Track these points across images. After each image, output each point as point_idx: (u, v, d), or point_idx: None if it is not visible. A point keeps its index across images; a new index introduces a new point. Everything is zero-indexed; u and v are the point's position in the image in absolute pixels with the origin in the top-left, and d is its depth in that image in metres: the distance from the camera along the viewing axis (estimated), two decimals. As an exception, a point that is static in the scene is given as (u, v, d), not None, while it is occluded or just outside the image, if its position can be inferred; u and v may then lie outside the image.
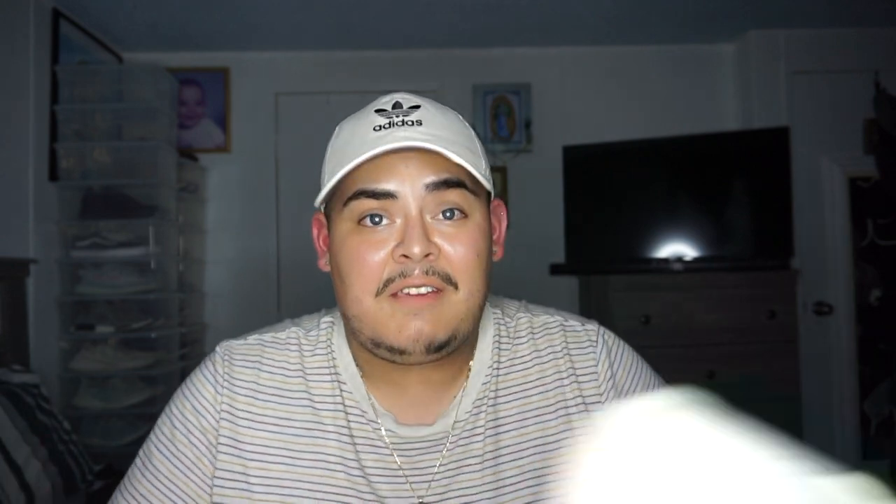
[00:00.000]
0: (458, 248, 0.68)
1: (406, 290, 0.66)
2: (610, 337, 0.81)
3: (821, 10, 2.90)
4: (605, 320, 2.86)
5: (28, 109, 2.41)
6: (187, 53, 3.19)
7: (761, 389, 2.65)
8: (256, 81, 3.23)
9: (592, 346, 0.79)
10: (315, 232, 0.78)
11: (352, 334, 0.72)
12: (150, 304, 2.57)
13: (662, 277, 2.71)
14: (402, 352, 0.67)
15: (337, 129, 0.74)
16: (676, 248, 2.81)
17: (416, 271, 0.66)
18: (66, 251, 2.52)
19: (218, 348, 0.78)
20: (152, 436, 0.77)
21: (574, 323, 0.80)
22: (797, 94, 3.14)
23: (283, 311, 3.22)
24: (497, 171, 3.23)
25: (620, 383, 0.78)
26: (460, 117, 0.74)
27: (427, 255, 0.66)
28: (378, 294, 0.67)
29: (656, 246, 2.83)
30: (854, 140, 3.14)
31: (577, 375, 0.77)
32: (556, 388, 0.76)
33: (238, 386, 0.74)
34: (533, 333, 0.79)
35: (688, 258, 2.79)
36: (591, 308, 2.92)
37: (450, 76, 3.27)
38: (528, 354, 0.78)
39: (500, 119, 3.27)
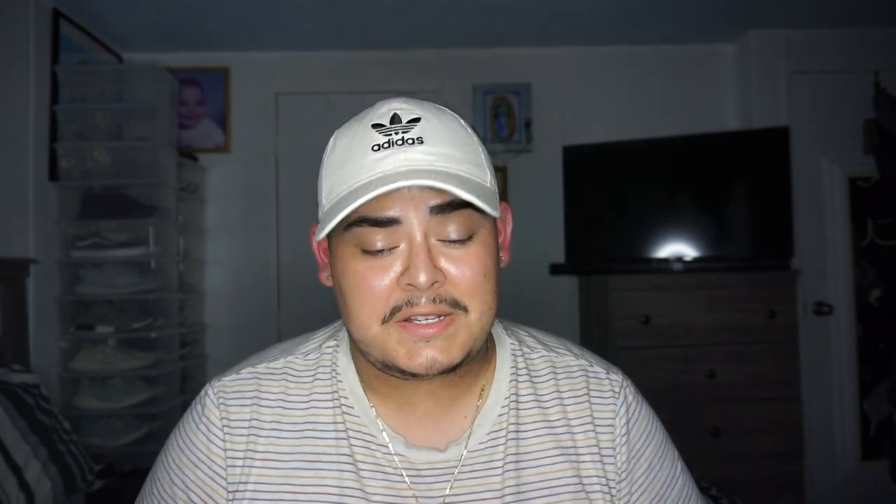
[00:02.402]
0: (466, 271, 0.65)
1: (414, 319, 0.65)
2: (632, 392, 0.79)
3: (821, 10, 2.90)
4: (605, 320, 2.85)
5: (28, 109, 2.41)
6: (187, 53, 3.19)
7: (761, 389, 2.65)
8: (256, 81, 3.23)
9: (614, 397, 0.76)
10: (315, 244, 0.75)
11: (360, 353, 0.70)
12: (150, 304, 2.57)
13: (662, 277, 2.71)
14: (414, 375, 0.66)
15: (332, 139, 0.70)
16: (676, 248, 2.81)
17: (423, 300, 0.64)
18: (66, 251, 2.52)
19: (210, 391, 0.74)
20: (153, 487, 0.75)
21: (599, 370, 0.78)
22: (797, 94, 3.13)
23: (283, 311, 3.22)
24: (497, 171, 3.22)
25: (634, 440, 0.76)
26: (461, 122, 0.70)
27: (433, 284, 0.64)
28: (385, 321, 0.65)
29: (656, 246, 2.83)
30: (854, 140, 3.14)
31: (595, 424, 0.75)
32: (574, 432, 0.74)
33: (237, 427, 0.72)
34: (555, 373, 0.77)
35: (688, 258, 2.79)
36: (591, 308, 2.92)
37: (450, 76, 3.27)
38: (550, 394, 0.76)
39: (500, 119, 3.27)
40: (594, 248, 2.92)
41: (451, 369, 0.66)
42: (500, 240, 0.74)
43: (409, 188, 0.63)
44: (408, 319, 0.65)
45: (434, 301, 0.64)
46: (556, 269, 3.00)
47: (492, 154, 3.54)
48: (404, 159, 0.64)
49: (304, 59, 3.25)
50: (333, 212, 0.65)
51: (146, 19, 2.82)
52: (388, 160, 0.64)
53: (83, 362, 2.48)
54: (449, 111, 0.71)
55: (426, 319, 0.64)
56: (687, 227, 2.83)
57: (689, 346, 2.64)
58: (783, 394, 2.66)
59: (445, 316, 0.65)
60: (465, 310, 0.66)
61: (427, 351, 0.64)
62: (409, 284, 0.63)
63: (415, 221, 0.64)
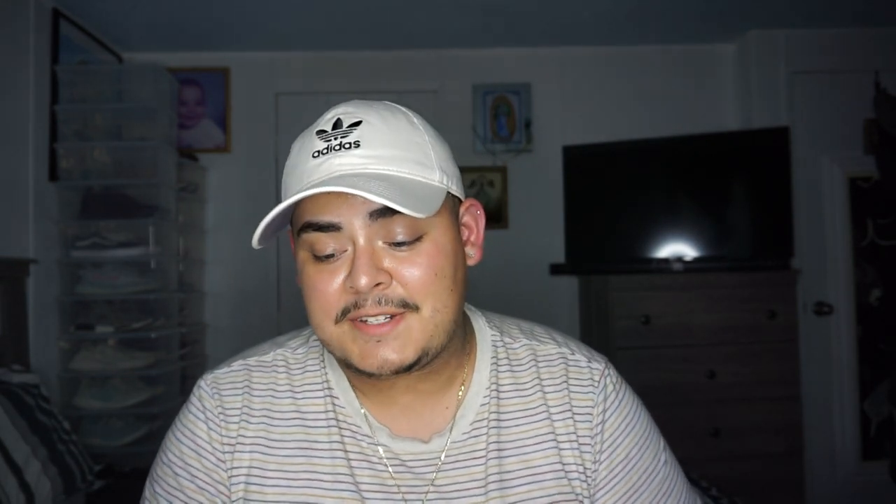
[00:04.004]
0: (414, 271, 0.66)
1: (363, 319, 0.66)
2: (613, 380, 0.78)
3: (821, 10, 2.90)
4: (605, 320, 2.85)
5: (28, 109, 2.41)
6: (187, 53, 3.19)
7: (761, 389, 2.65)
8: (256, 81, 3.23)
9: (593, 385, 0.76)
10: (293, 247, 0.76)
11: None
12: (150, 304, 2.57)
13: (662, 277, 2.71)
14: (370, 374, 0.67)
15: (292, 145, 0.73)
16: (676, 248, 2.81)
17: (369, 301, 0.65)
18: (66, 251, 2.52)
19: (203, 383, 0.76)
20: (157, 486, 0.75)
21: (580, 357, 0.78)
22: (797, 94, 3.13)
23: (283, 311, 3.22)
24: (497, 171, 3.23)
25: (611, 429, 0.75)
26: (414, 120, 0.71)
27: (377, 285, 0.65)
28: (338, 321, 0.67)
29: (656, 246, 2.83)
30: (854, 140, 3.14)
31: (574, 412, 0.75)
32: (553, 420, 0.75)
33: (231, 414, 0.73)
34: (536, 362, 0.77)
35: (688, 258, 2.79)
36: (590, 308, 2.92)
37: (450, 76, 3.27)
38: (530, 381, 0.76)
39: (500, 119, 3.26)
40: (594, 248, 2.92)
41: (407, 369, 0.66)
42: (473, 238, 0.75)
43: (349, 194, 0.64)
44: (358, 320, 0.66)
45: (380, 303, 0.65)
46: (556, 269, 3.00)
47: (492, 154, 3.52)
48: (338, 164, 0.66)
49: (304, 59, 3.25)
50: (268, 216, 0.67)
51: (146, 19, 2.82)
52: (323, 166, 0.66)
53: (83, 362, 2.48)
54: (403, 111, 0.71)
55: (375, 319, 0.65)
56: (687, 227, 2.83)
57: (689, 346, 2.64)
58: (783, 394, 2.66)
59: (395, 315, 0.66)
60: (416, 308, 0.66)
61: (379, 351, 0.65)
62: (352, 288, 0.65)
63: (356, 226, 0.65)
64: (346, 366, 0.69)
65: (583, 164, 2.95)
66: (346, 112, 0.69)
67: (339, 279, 0.66)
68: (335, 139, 0.67)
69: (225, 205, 3.22)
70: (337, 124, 0.68)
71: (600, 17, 2.92)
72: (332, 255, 0.66)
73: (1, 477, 1.66)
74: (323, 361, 0.77)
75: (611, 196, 2.91)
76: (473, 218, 0.76)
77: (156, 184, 2.58)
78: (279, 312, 3.22)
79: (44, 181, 2.48)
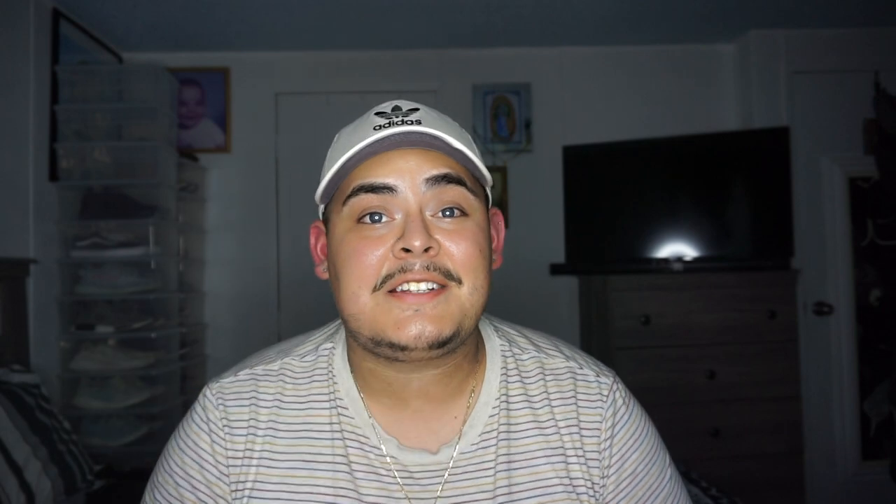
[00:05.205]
0: (461, 243, 0.67)
1: (405, 287, 0.65)
2: (622, 395, 0.78)
3: (821, 10, 2.90)
4: (606, 320, 2.85)
5: (28, 109, 2.41)
6: (187, 53, 3.19)
7: (761, 389, 2.65)
8: (256, 81, 3.23)
9: (602, 400, 0.76)
10: (313, 240, 0.77)
11: (352, 337, 0.70)
12: (150, 304, 2.57)
13: (662, 277, 2.71)
14: (403, 348, 0.65)
15: (336, 136, 0.74)
16: (676, 248, 2.82)
17: (417, 266, 0.65)
18: (66, 251, 2.52)
19: (208, 392, 0.75)
20: (157, 493, 0.74)
21: (588, 372, 0.78)
22: (797, 94, 3.14)
23: (283, 311, 3.22)
24: (497, 171, 3.23)
25: (619, 444, 0.75)
26: (458, 125, 0.74)
27: (427, 250, 0.65)
28: (376, 290, 0.66)
29: (656, 246, 2.83)
30: (854, 140, 3.14)
31: (581, 427, 0.75)
32: (563, 433, 0.75)
33: (237, 427, 0.73)
34: (544, 375, 0.77)
35: (688, 258, 2.79)
36: (590, 308, 2.92)
37: (450, 76, 3.27)
38: (540, 394, 0.76)
39: (500, 119, 3.26)
40: (594, 248, 2.92)
41: (441, 345, 0.65)
42: (494, 245, 0.76)
43: (406, 160, 0.67)
44: (398, 291, 0.65)
45: (428, 268, 0.65)
46: (556, 269, 3.00)
47: (491, 154, 3.53)
48: (402, 131, 0.67)
49: (304, 59, 3.25)
50: (331, 170, 0.68)
51: (146, 19, 2.82)
52: (386, 133, 0.67)
53: (83, 362, 2.48)
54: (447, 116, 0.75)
55: (417, 287, 0.65)
56: (687, 227, 2.83)
57: (689, 346, 2.64)
58: (783, 394, 2.67)
59: (438, 287, 0.66)
60: (459, 282, 0.67)
61: (417, 320, 0.65)
62: (403, 250, 0.65)
63: (410, 191, 0.67)
64: (376, 344, 0.67)
65: (583, 164, 2.95)
66: (402, 102, 0.72)
67: (385, 246, 0.66)
68: (396, 117, 0.69)
69: (225, 205, 3.22)
70: (395, 109, 0.70)
71: (600, 17, 2.92)
72: (379, 220, 0.67)
73: (1, 477, 1.66)
74: (332, 371, 0.76)
75: (611, 196, 2.91)
76: (495, 226, 0.77)
77: (156, 184, 2.58)
78: (279, 312, 3.22)
79: (44, 181, 2.48)
